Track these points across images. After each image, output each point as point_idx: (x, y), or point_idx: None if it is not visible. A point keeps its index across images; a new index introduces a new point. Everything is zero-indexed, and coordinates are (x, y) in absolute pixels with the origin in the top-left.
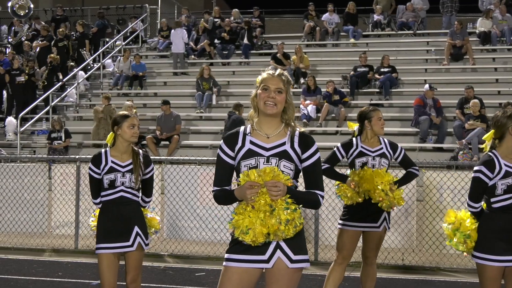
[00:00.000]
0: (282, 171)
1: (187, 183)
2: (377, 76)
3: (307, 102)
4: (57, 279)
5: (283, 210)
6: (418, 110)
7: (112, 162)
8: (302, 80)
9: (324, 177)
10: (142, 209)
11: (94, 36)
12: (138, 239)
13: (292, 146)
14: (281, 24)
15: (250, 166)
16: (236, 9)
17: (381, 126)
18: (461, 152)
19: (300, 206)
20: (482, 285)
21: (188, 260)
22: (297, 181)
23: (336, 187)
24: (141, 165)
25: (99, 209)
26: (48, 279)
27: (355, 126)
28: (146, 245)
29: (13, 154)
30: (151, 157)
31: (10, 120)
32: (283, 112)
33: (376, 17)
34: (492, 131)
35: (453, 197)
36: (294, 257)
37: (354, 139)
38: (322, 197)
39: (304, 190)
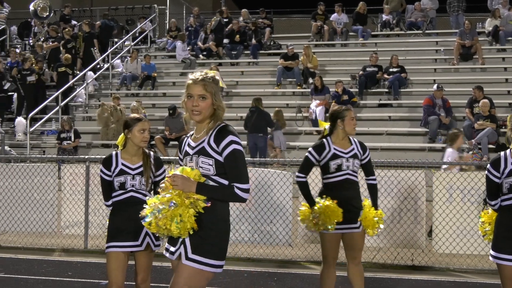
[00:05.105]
0: (201, 167)
1: None
2: (386, 76)
3: (317, 102)
4: (67, 279)
5: (165, 203)
6: (427, 110)
7: (122, 164)
8: (310, 80)
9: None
10: None
11: (100, 36)
12: (147, 239)
13: (208, 142)
14: (289, 24)
15: (182, 164)
16: (245, 9)
17: (353, 126)
18: (470, 152)
19: (210, 202)
20: (502, 284)
21: None
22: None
23: (300, 208)
24: (152, 167)
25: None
26: (58, 278)
27: (326, 125)
28: (156, 246)
29: (22, 154)
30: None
31: (20, 120)
32: (214, 115)
33: (385, 17)
34: None
35: (463, 197)
36: (190, 255)
37: (325, 140)
38: (243, 189)
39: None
